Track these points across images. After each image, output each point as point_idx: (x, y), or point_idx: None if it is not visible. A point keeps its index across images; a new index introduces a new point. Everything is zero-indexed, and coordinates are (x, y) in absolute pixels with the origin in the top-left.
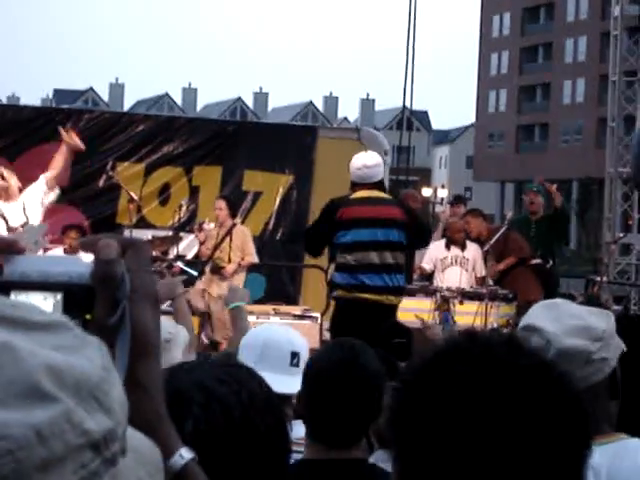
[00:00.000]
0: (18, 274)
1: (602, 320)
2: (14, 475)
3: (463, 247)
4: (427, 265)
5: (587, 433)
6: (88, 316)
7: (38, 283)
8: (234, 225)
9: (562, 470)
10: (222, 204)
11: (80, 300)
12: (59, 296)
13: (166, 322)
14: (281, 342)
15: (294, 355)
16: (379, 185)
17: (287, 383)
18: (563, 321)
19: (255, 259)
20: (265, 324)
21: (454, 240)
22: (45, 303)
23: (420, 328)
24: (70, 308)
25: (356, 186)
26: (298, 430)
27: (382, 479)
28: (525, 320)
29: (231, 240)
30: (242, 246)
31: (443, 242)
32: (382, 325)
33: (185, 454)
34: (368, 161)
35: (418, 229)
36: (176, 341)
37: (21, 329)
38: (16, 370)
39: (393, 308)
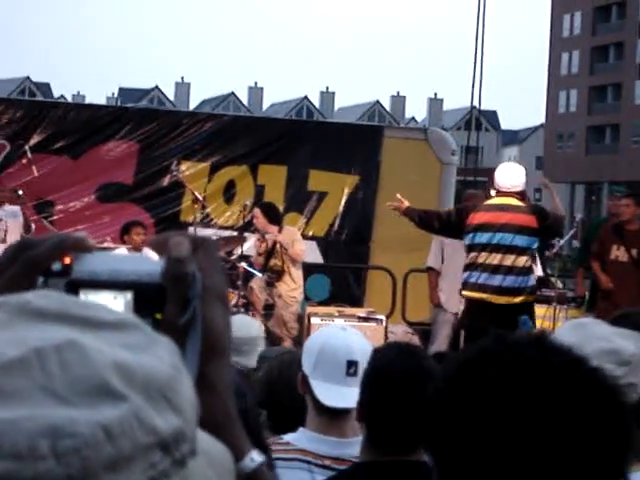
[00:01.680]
0: (87, 273)
1: (631, 343)
2: (81, 474)
3: None
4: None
5: (625, 428)
6: (159, 315)
7: (108, 282)
8: (281, 229)
9: (600, 469)
10: (257, 212)
11: (151, 299)
12: (129, 295)
13: (254, 321)
14: (338, 349)
15: (351, 364)
16: (520, 195)
17: (340, 395)
18: (589, 343)
19: (301, 254)
20: (328, 326)
21: None
22: (115, 302)
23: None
24: (140, 307)
25: (497, 193)
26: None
27: None
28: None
29: (282, 245)
30: (291, 244)
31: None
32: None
33: (256, 457)
34: (515, 172)
35: (550, 232)
36: (262, 336)
37: (89, 328)
38: (84, 368)
39: (515, 307)
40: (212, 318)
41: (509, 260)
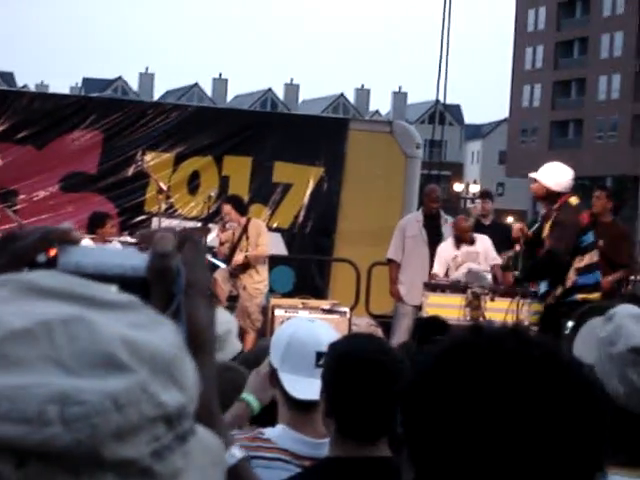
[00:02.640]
0: (73, 265)
1: None
2: (89, 441)
3: (472, 242)
4: (439, 269)
5: (602, 420)
6: None
7: (93, 275)
8: (248, 221)
9: (577, 460)
10: (227, 208)
11: (135, 293)
12: (114, 288)
13: (222, 313)
14: (306, 341)
15: (320, 355)
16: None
17: (310, 387)
18: None
19: (266, 251)
20: (295, 318)
21: (462, 239)
22: None
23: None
24: None
25: (561, 194)
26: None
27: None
28: (630, 340)
29: (247, 237)
30: (256, 240)
31: (451, 241)
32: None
33: (237, 453)
34: (571, 173)
35: None
36: (233, 331)
37: (95, 306)
38: (91, 341)
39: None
40: (195, 313)
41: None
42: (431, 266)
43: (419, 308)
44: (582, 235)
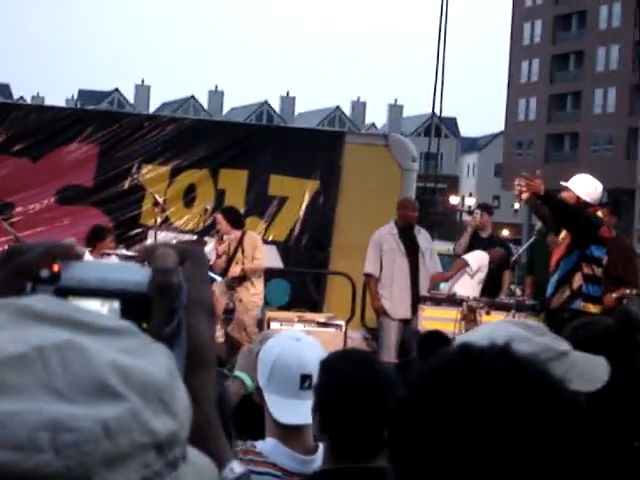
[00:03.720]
0: (76, 280)
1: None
2: (80, 468)
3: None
4: (474, 265)
5: (586, 442)
6: (145, 325)
7: (96, 290)
8: (244, 234)
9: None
10: (219, 217)
11: (137, 308)
12: (116, 304)
13: None
14: (291, 363)
15: (305, 378)
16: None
17: (294, 410)
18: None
19: (263, 264)
20: (281, 336)
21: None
22: (102, 310)
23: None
24: (127, 316)
25: (590, 206)
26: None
27: None
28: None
29: (243, 251)
30: (252, 253)
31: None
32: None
33: (236, 468)
34: (601, 187)
35: None
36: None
37: (87, 332)
38: (84, 367)
39: None
40: (197, 329)
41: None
42: (412, 278)
43: (405, 322)
44: (602, 245)
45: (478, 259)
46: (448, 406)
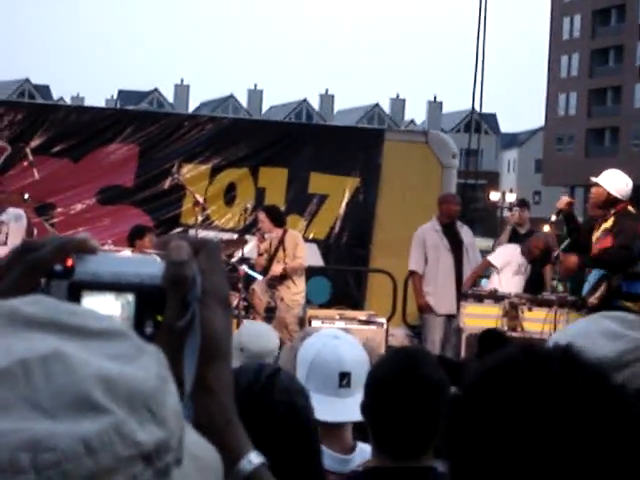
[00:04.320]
0: (90, 274)
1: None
2: None
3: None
4: (497, 262)
5: None
6: (160, 317)
7: (110, 284)
8: (285, 232)
9: None
10: (262, 216)
11: (152, 301)
12: (130, 297)
13: (272, 330)
14: (329, 361)
15: (343, 376)
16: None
17: (333, 409)
18: None
19: (304, 263)
20: (320, 334)
21: (530, 255)
22: (116, 304)
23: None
24: (142, 309)
25: (620, 202)
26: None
27: None
28: None
29: (284, 249)
30: (293, 251)
31: (519, 249)
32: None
33: (254, 459)
34: (631, 182)
35: None
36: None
37: (76, 337)
38: (67, 380)
39: None
40: (212, 321)
41: None
42: (457, 273)
43: (449, 318)
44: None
45: (502, 255)
46: (503, 406)
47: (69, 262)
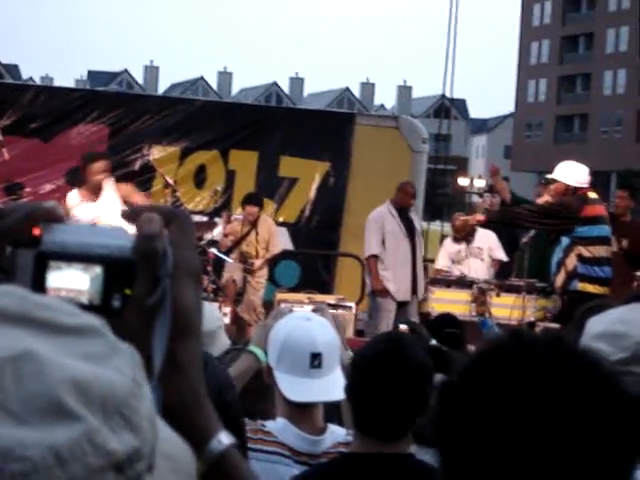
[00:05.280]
0: (57, 244)
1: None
2: None
3: (468, 240)
4: (444, 263)
5: (636, 437)
6: (128, 291)
7: (78, 255)
8: (258, 217)
9: (609, 471)
10: (254, 210)
11: (121, 274)
12: (99, 269)
13: (213, 310)
14: (301, 342)
15: (315, 356)
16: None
17: (304, 389)
18: None
19: (277, 251)
20: (291, 316)
21: (459, 237)
22: (85, 276)
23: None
24: (110, 281)
25: (580, 189)
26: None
27: (431, 475)
28: None
29: (257, 233)
30: (268, 238)
31: (450, 239)
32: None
33: (224, 439)
34: (586, 169)
35: None
36: (223, 326)
37: (49, 333)
38: (38, 383)
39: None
40: (183, 296)
41: (609, 252)
42: (413, 260)
43: (404, 304)
44: (591, 224)
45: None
46: (493, 392)
47: (36, 231)
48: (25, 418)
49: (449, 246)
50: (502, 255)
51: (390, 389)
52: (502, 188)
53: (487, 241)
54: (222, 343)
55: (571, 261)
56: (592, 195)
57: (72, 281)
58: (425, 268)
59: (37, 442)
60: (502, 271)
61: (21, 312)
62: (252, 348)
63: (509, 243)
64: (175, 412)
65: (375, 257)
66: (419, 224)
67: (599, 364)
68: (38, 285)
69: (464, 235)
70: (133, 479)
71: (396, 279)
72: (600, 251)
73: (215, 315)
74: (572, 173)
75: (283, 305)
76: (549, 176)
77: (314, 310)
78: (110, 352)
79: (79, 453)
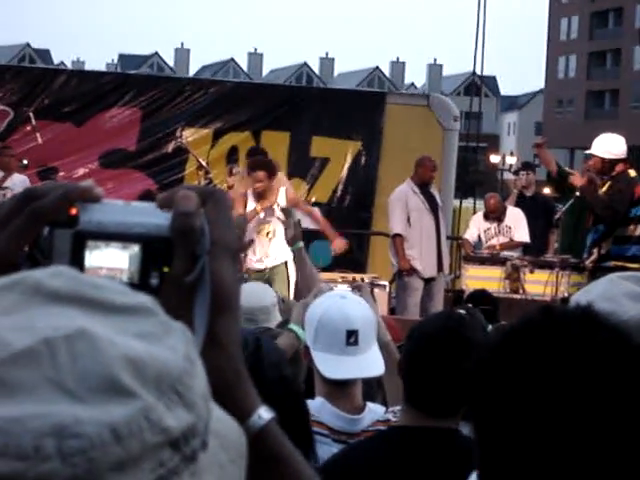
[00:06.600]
0: (94, 224)
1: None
2: (87, 475)
3: (499, 220)
4: (470, 237)
5: None
6: (166, 269)
7: (115, 234)
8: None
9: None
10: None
11: (159, 252)
12: (137, 248)
13: (267, 287)
14: (336, 319)
15: (351, 334)
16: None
17: (341, 366)
18: None
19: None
20: (327, 295)
21: (491, 216)
22: (123, 254)
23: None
24: (148, 260)
25: (618, 162)
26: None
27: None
28: None
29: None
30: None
31: (481, 214)
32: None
33: (264, 414)
34: (622, 140)
35: None
36: (276, 304)
37: (102, 313)
38: (94, 361)
39: None
40: (221, 273)
41: None
42: (437, 236)
43: (430, 281)
44: (633, 207)
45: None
46: (524, 367)
47: (73, 211)
48: (81, 395)
49: (479, 222)
50: (524, 237)
51: (447, 366)
52: (549, 160)
53: (515, 220)
54: (277, 320)
55: (607, 243)
56: (633, 173)
57: (111, 260)
58: (458, 246)
59: (94, 419)
60: (536, 246)
61: (74, 292)
62: (292, 326)
63: (545, 216)
64: (216, 389)
65: (400, 236)
66: (440, 199)
67: (628, 337)
68: (77, 265)
69: (497, 215)
70: (188, 456)
71: (422, 256)
72: (625, 231)
73: (269, 292)
74: (606, 146)
75: (324, 284)
76: (586, 152)
77: (353, 288)
78: (163, 331)
79: (135, 430)
